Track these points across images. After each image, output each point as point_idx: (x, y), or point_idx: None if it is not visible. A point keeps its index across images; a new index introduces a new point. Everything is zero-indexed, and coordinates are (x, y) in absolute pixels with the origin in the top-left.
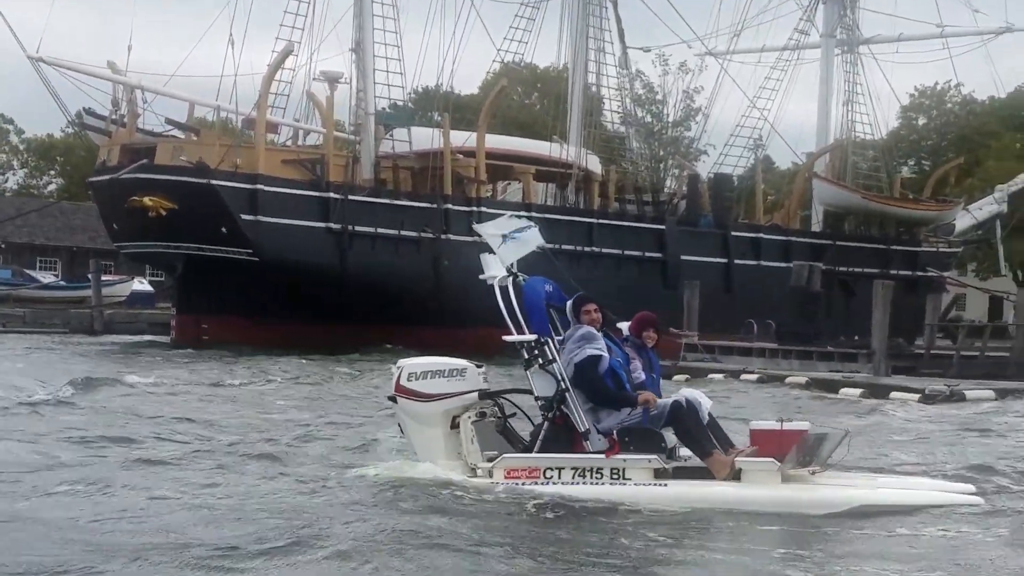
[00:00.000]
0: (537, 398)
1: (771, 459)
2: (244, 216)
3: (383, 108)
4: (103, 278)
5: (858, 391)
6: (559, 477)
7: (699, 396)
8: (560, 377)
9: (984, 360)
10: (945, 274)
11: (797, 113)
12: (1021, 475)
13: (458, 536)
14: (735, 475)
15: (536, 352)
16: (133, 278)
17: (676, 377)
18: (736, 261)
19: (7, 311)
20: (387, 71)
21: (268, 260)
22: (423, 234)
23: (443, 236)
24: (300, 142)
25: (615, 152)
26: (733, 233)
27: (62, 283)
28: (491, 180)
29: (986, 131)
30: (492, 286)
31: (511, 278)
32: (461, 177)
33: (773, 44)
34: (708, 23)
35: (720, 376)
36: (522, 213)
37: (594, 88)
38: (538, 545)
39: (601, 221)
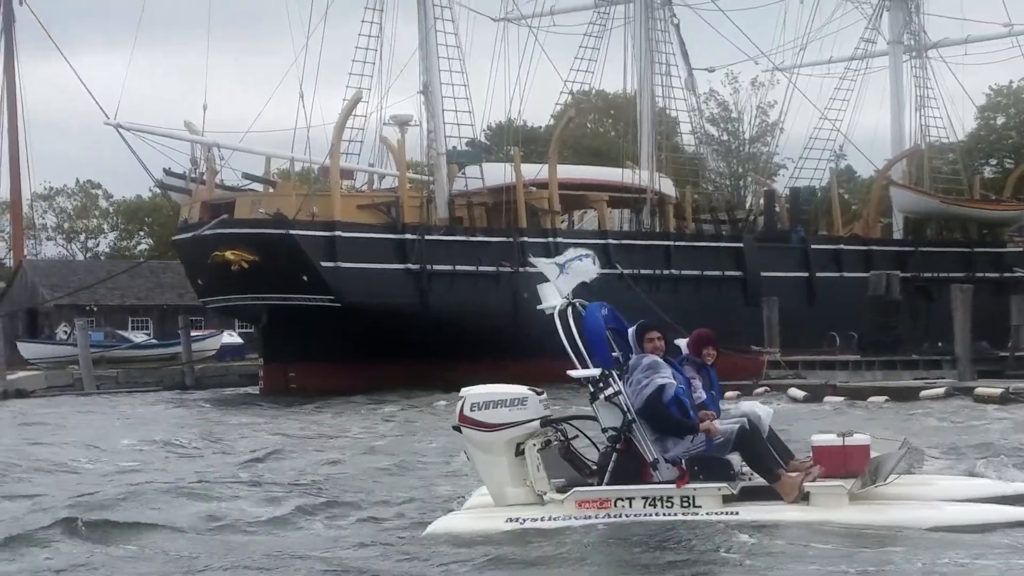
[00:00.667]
0: (604, 429)
1: (839, 483)
2: (324, 263)
3: (453, 147)
4: (193, 334)
5: (940, 395)
6: (630, 507)
7: (757, 409)
8: (626, 408)
9: None
10: None
11: (873, 122)
12: None
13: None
14: (803, 497)
15: (601, 385)
16: (223, 332)
17: (757, 391)
18: (818, 274)
19: (101, 373)
20: (456, 110)
21: (350, 305)
22: (500, 268)
23: (520, 269)
24: (376, 186)
25: (689, 174)
26: (813, 246)
27: (154, 341)
28: (565, 210)
29: None
30: (552, 316)
31: (570, 306)
32: (535, 209)
33: (840, 54)
34: (773, 38)
35: (800, 394)
36: (599, 241)
37: (664, 112)
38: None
39: (678, 243)
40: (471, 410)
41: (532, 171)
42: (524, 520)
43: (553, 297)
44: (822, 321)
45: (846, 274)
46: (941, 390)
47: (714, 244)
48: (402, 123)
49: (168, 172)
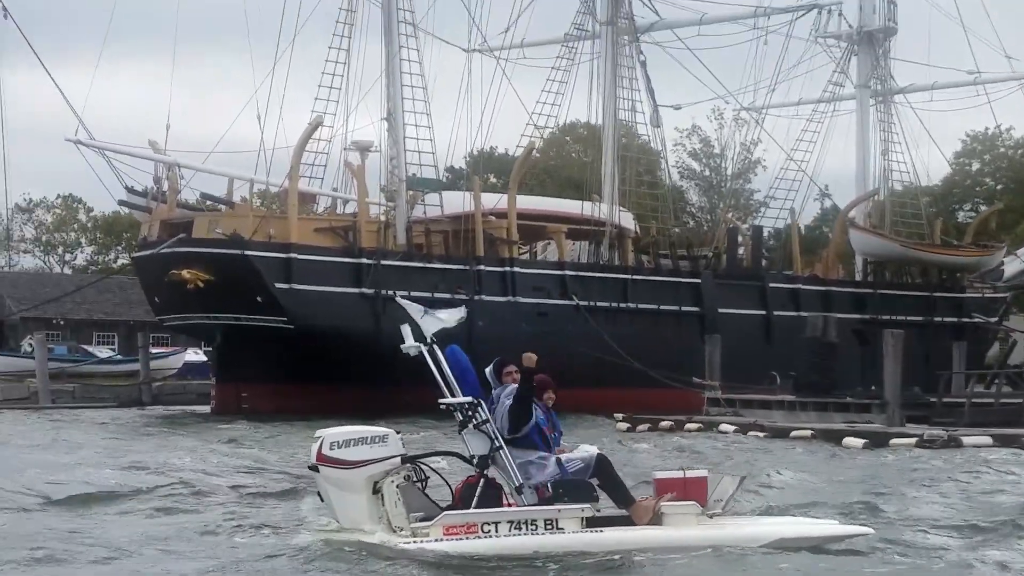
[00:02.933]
0: (472, 456)
1: (693, 502)
2: (279, 284)
3: (414, 174)
4: (156, 351)
5: (860, 442)
6: (496, 531)
7: (592, 449)
8: (493, 436)
9: (999, 408)
10: (992, 319)
11: (839, 164)
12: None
13: None
14: (656, 519)
15: (471, 413)
16: (186, 349)
17: (688, 426)
18: (775, 312)
19: (58, 387)
20: (417, 138)
21: (303, 327)
22: (456, 295)
23: (476, 297)
24: (340, 211)
25: (649, 208)
26: (771, 284)
27: (117, 357)
28: (526, 240)
29: None
30: (420, 354)
31: (429, 347)
32: (494, 238)
33: (808, 96)
34: (741, 78)
35: (731, 428)
36: (556, 272)
37: (635, 146)
38: None
39: (635, 277)
40: (330, 449)
41: (493, 201)
42: (395, 544)
43: (410, 337)
44: (779, 359)
45: (803, 313)
46: (860, 442)
47: (672, 279)
48: (363, 148)
49: (130, 190)
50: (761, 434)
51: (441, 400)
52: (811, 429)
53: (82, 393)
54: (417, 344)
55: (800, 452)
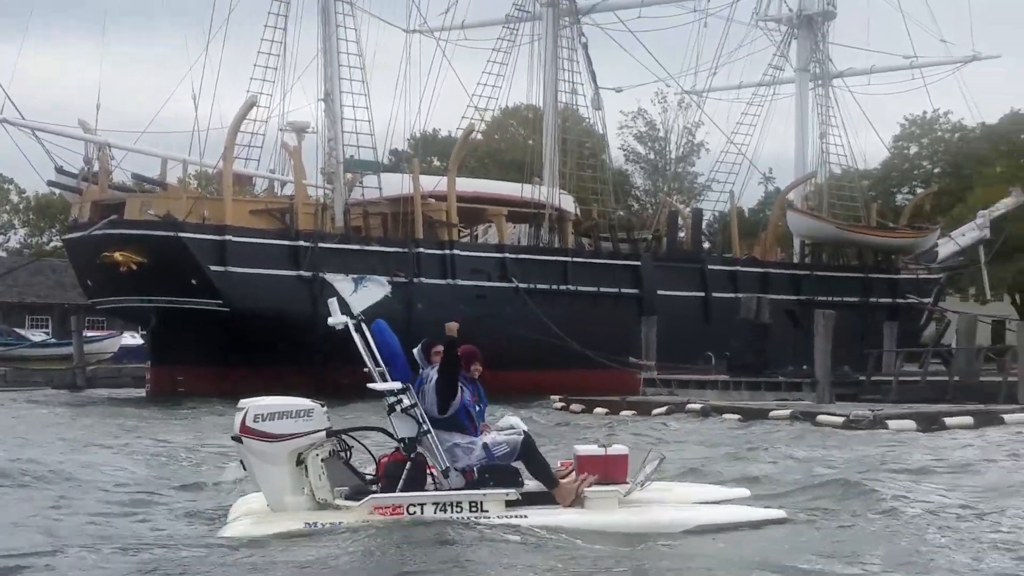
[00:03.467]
0: (400, 439)
1: (615, 488)
2: (213, 267)
3: (351, 156)
4: (91, 334)
5: (787, 418)
6: (422, 512)
7: (518, 422)
8: (421, 420)
9: (925, 384)
10: (925, 300)
11: (779, 147)
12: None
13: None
14: (578, 501)
15: (399, 398)
16: (122, 333)
17: (624, 413)
18: (714, 294)
19: None
20: (355, 119)
21: (239, 310)
22: (394, 278)
23: (415, 280)
24: (280, 193)
25: (590, 190)
26: (710, 266)
27: (51, 341)
28: (466, 223)
29: (976, 157)
30: (345, 330)
31: (356, 322)
32: (433, 221)
33: (749, 80)
34: (684, 61)
35: (663, 408)
36: (495, 255)
37: (574, 129)
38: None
39: (575, 260)
40: (254, 421)
41: (432, 183)
42: (321, 525)
43: (337, 312)
44: (718, 339)
45: (741, 295)
46: (787, 412)
47: (611, 262)
48: (299, 129)
49: (60, 170)
50: (697, 407)
51: (369, 384)
52: (740, 407)
53: (14, 377)
54: (344, 318)
55: (728, 430)
